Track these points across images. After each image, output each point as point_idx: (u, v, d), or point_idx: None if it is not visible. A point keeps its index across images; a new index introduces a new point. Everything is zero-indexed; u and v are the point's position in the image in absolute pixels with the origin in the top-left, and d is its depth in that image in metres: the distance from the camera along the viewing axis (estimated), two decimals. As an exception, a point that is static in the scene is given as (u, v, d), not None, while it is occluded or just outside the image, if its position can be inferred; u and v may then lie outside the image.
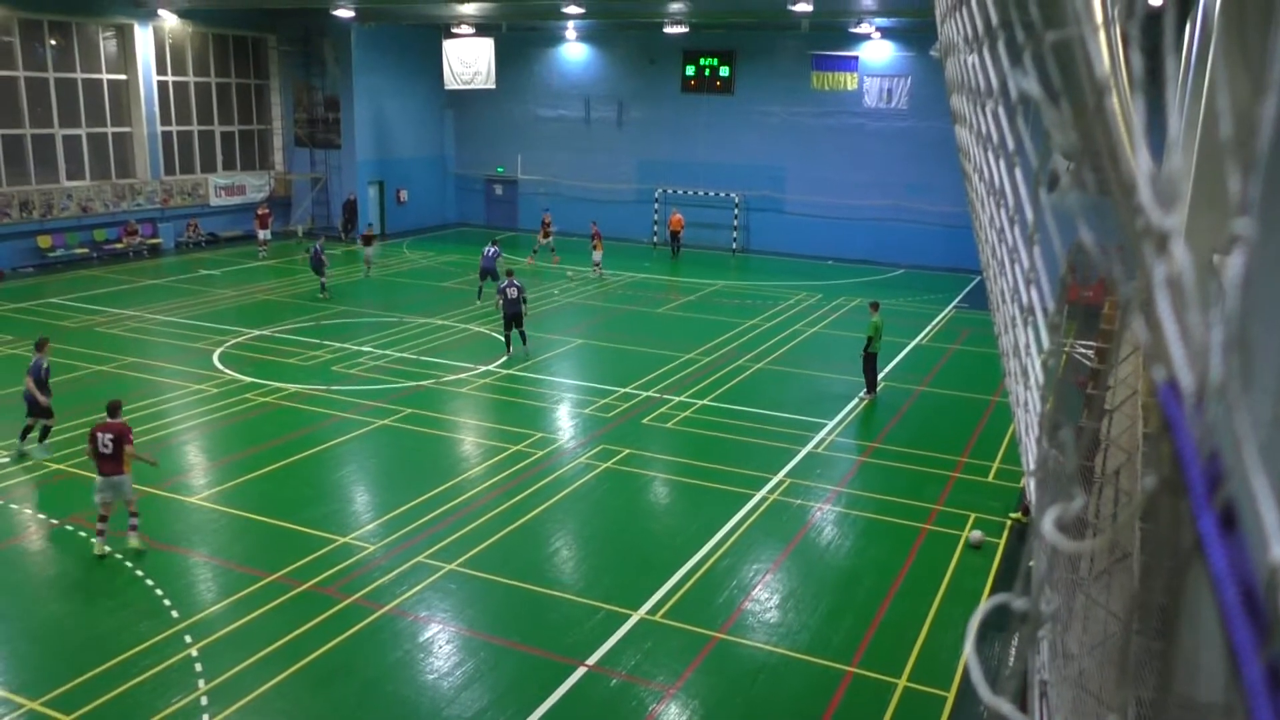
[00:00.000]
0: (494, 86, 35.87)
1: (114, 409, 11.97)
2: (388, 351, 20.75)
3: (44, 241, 29.39)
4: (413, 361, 20.15)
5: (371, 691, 9.15)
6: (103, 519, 11.56)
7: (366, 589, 10.92)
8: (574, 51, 38.08)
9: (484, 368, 19.81)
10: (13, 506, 12.85)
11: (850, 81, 33.65)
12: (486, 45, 35.25)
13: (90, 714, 8.66)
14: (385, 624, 10.26)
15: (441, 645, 9.94)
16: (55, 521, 12.47)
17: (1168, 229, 0.89)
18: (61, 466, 14.16)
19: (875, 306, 18.34)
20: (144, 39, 31.68)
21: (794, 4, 26.48)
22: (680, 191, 36.65)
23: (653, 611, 10.64)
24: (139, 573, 11.16)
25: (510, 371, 19.65)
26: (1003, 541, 12.61)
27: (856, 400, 18.19)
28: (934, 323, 25.11)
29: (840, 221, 34.68)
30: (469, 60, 35.63)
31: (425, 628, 10.23)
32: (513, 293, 20.41)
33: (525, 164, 39.33)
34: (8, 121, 28.57)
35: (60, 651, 9.67)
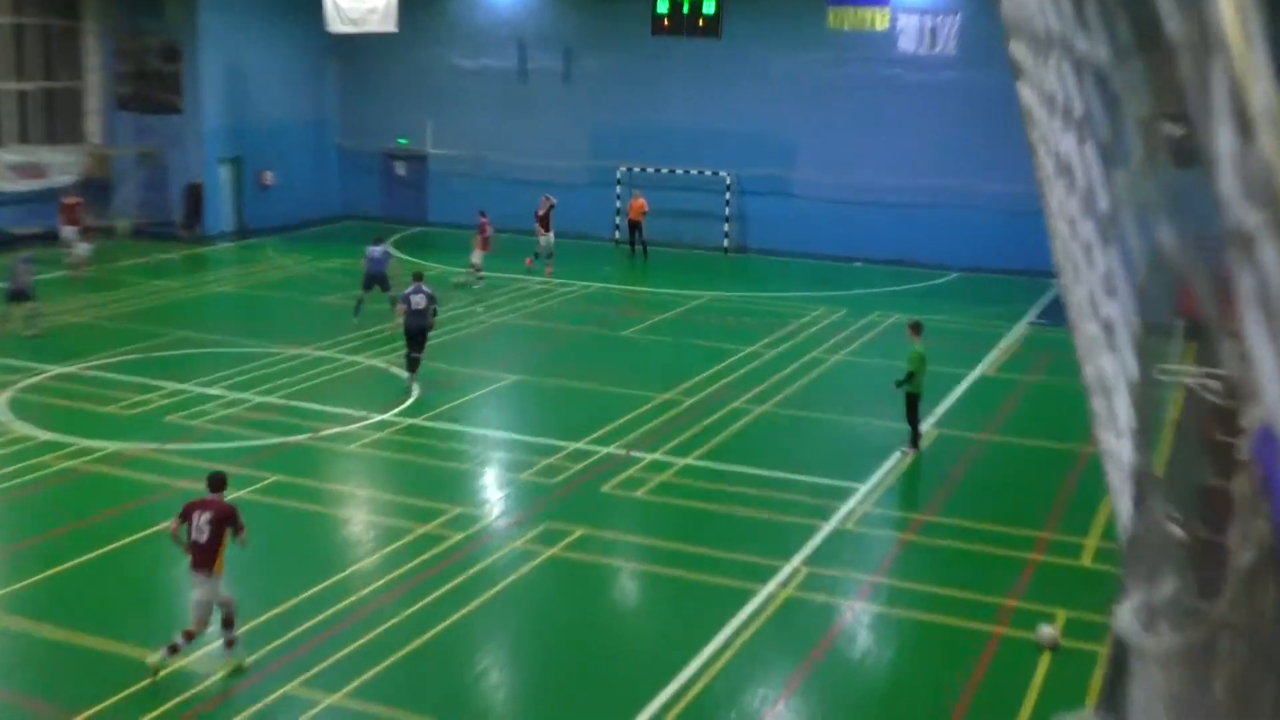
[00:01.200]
0: (395, 29, 35.80)
1: (219, 484, 12.14)
2: (245, 395, 20.43)
3: None
4: (280, 408, 19.88)
5: None
6: (190, 636, 11.39)
7: (213, 734, 10.57)
8: (503, -21, 38.28)
9: (380, 416, 19.56)
10: None
11: (879, 20, 33.95)
12: (383, -29, 35.21)
13: None
14: (239, 785, 9.90)
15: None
16: None
17: (1251, 229, 0.94)
18: None
19: (917, 328, 18.30)
20: (-96, -37, 31.39)
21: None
22: (651, 170, 36.77)
23: (621, 759, 10.37)
24: (-117, 717, 10.72)
25: (416, 421, 19.39)
26: (1107, 648, 12.43)
27: (896, 455, 18.09)
28: (1000, 346, 25.20)
29: (869, 208, 34.90)
30: (359, -8, 35.56)
31: (296, 789, 9.87)
32: (419, 301, 20.41)
33: (438, 134, 39.39)
34: None
35: None
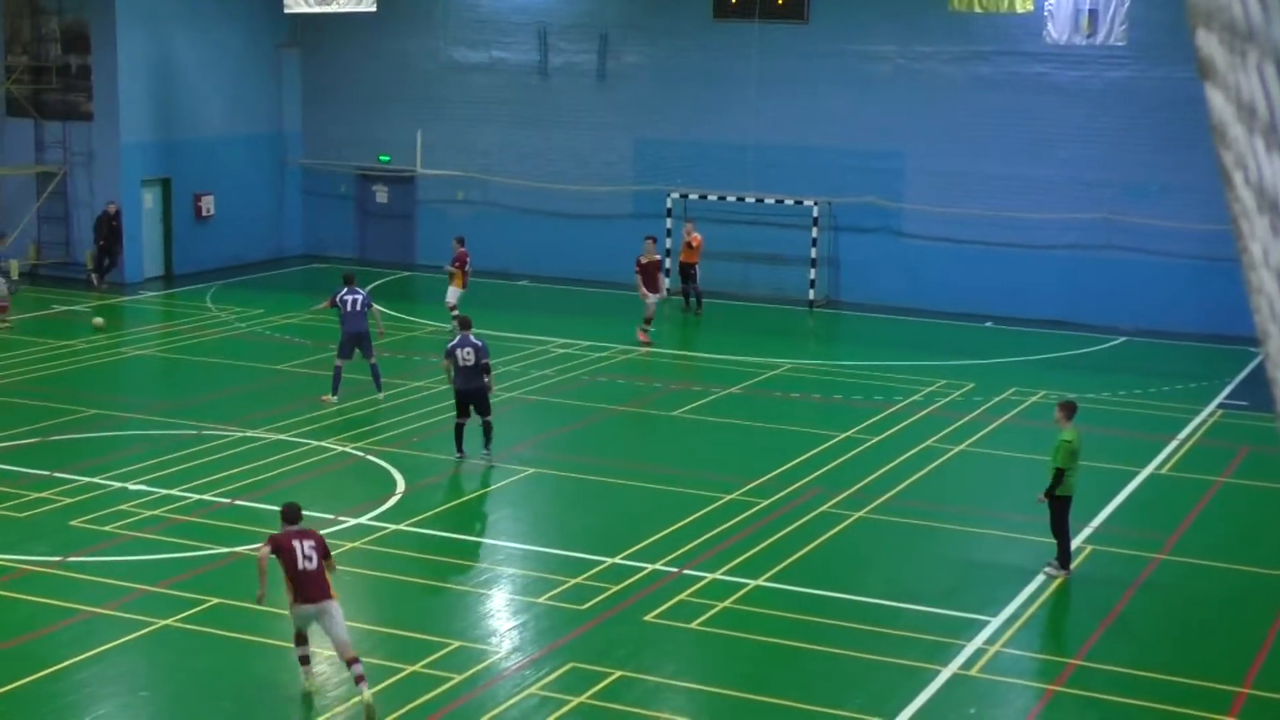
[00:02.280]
0: (372, 8, 36.40)
1: (295, 514, 14.82)
2: (175, 492, 20.76)
3: None
4: (223, 510, 20.20)
5: None
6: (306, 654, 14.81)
7: None
8: (519, -53, 38.91)
9: (356, 520, 19.83)
10: None
11: (1021, 0, 34.06)
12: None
13: None
14: None
15: None
16: None
17: None
18: None
19: (1069, 410, 18.35)
20: None
21: None
22: (712, 197, 37.04)
23: None
24: None
25: (401, 526, 19.65)
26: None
27: (1040, 579, 18.13)
28: (1185, 433, 25.16)
29: (1007, 251, 35.00)
30: (330, -37, 36.31)
31: None
32: (468, 356, 21.20)
33: (431, 149, 39.87)
34: None
35: None
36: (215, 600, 16.99)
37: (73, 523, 19.47)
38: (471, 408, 21.73)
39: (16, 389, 26.32)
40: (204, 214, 38.89)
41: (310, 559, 14.11)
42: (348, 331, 25.80)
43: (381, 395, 26.15)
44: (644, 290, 30.74)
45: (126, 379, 27.99)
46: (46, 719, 14.37)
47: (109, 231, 36.58)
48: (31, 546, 18.56)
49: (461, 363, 21.30)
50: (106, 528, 19.36)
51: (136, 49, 36.81)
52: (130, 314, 34.41)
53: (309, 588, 14.11)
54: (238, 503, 20.42)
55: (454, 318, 29.70)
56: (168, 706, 14.85)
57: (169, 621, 16.47)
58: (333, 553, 14.93)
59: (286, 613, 16.84)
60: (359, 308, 25.96)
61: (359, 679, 13.90)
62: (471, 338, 21.65)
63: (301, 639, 14.71)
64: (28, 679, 14.99)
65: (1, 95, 37.68)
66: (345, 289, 26.26)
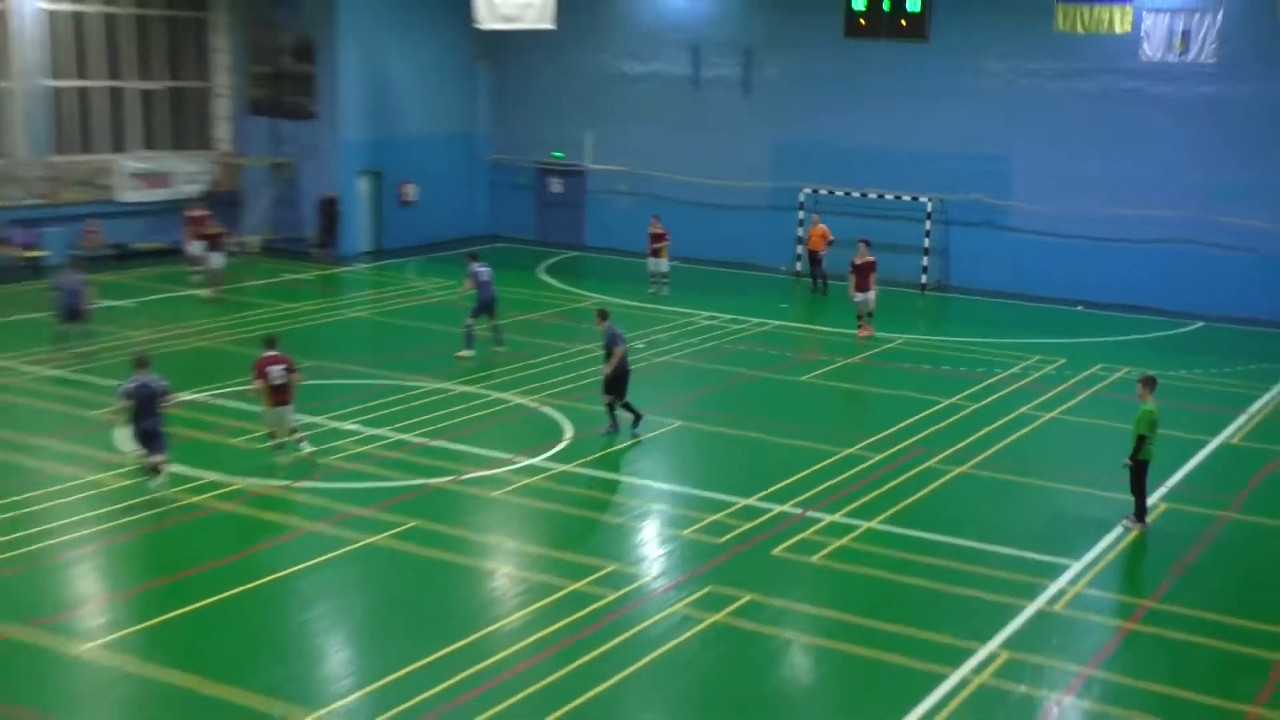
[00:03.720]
0: (553, 26, 36.66)
1: (273, 341, 19.65)
2: (381, 431, 21.24)
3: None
4: (419, 448, 20.58)
5: None
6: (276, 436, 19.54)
7: (343, 795, 11.19)
8: (679, -26, 38.94)
9: (529, 460, 20.17)
10: None
11: (1120, 21, 33.35)
12: (544, -36, 36.22)
13: None
14: None
15: None
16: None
17: None
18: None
19: (1150, 384, 18.13)
20: (34, -48, 33.54)
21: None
22: (840, 193, 36.93)
23: None
24: (4, 756, 11.64)
25: (568, 468, 19.97)
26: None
27: (1118, 530, 17.97)
28: (1251, 410, 24.68)
29: (1100, 244, 34.54)
30: (517, -14, 36.62)
31: None
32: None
33: (599, 148, 40.12)
34: None
35: None
36: (412, 523, 17.38)
37: (300, 452, 19.99)
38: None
39: (250, 343, 26.85)
40: (407, 200, 39.55)
41: (281, 376, 19.07)
42: (483, 298, 26.45)
43: (502, 349, 26.82)
44: (853, 290, 29.75)
45: (341, 337, 28.56)
46: (269, 616, 14.86)
47: (330, 214, 37.42)
48: (262, 472, 19.15)
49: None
50: (326, 459, 19.91)
51: (353, 60, 37.50)
52: (345, 283, 35.08)
53: (278, 395, 19.10)
54: (433, 443, 20.84)
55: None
56: (370, 609, 15.26)
57: (376, 538, 16.92)
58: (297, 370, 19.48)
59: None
60: (489, 278, 26.55)
61: (301, 439, 19.63)
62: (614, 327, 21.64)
63: (273, 435, 19.55)
64: (255, 583, 15.48)
65: (245, 97, 38.57)
66: (475, 264, 26.85)
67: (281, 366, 19.10)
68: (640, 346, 27.91)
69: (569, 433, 21.65)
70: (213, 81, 38.65)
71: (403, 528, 17.24)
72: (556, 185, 41.34)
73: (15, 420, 21.42)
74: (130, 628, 14.34)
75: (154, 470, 17.84)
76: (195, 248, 33.59)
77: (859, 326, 29.04)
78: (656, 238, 34.10)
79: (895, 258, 35.84)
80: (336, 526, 17.25)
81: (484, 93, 41.82)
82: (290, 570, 15.90)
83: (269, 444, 19.73)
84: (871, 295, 28.64)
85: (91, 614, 14.81)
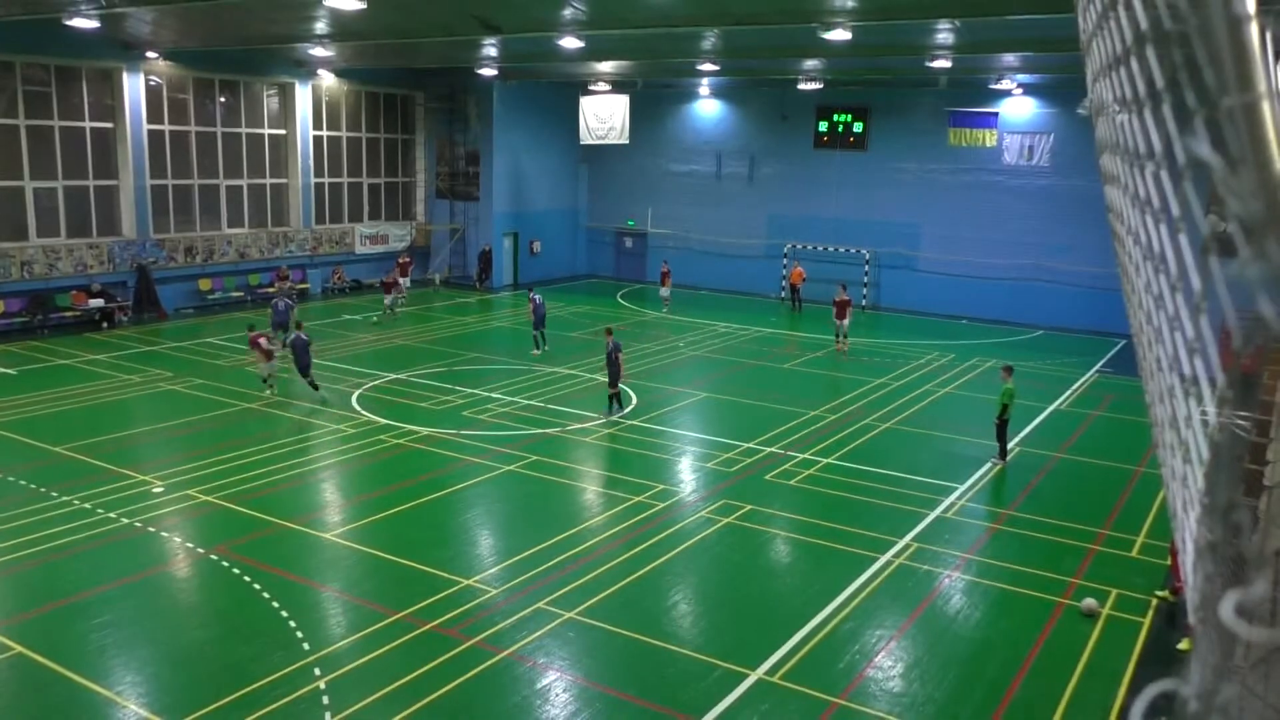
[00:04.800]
0: (627, 141, 36.67)
1: (254, 327, 21.38)
2: (516, 399, 21.18)
3: (204, 284, 31.37)
4: (540, 409, 20.50)
5: (488, 736, 9.22)
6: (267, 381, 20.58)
7: (487, 632, 11.06)
8: (707, 107, 38.65)
9: (608, 417, 19.99)
10: (163, 534, 13.60)
11: (989, 138, 33.01)
12: (622, 102, 36.09)
13: (224, 738, 9.00)
14: (504, 668, 10.36)
15: (558, 693, 9.96)
16: (201, 551, 13.12)
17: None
18: (209, 499, 14.92)
19: (1009, 371, 17.71)
20: (303, 96, 33.75)
21: (932, 61, 26.23)
22: (810, 247, 36.49)
23: (771, 672, 10.42)
24: (275, 604, 11.61)
25: (634, 422, 19.78)
26: (1147, 621, 11.86)
27: (988, 465, 17.56)
28: (1074, 387, 24.08)
29: (976, 280, 33.87)
30: (604, 116, 36.55)
31: (543, 675, 10.28)
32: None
33: (655, 217, 39.93)
34: (179, 172, 30.78)
35: (199, 677, 10.11)
36: (533, 458, 17.29)
37: (463, 413, 20.02)
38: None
39: (434, 342, 27.04)
40: (534, 251, 39.52)
41: (272, 345, 20.74)
42: (538, 315, 25.82)
43: (544, 349, 25.82)
44: (834, 317, 27.28)
45: (491, 339, 28.57)
46: (442, 516, 14.78)
47: (485, 260, 37.49)
48: (440, 424, 19.13)
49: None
50: (480, 416, 19.85)
51: (503, 164, 37.47)
52: (494, 304, 35.12)
53: (268, 356, 20.28)
54: (549, 405, 20.72)
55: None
56: (506, 513, 15.17)
57: (511, 468, 16.82)
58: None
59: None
60: (541, 302, 26.08)
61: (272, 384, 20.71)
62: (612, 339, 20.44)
63: (265, 380, 20.63)
64: (433, 495, 15.48)
65: (434, 187, 38.76)
66: (533, 294, 26.58)
67: (265, 339, 20.78)
68: (681, 345, 27.72)
69: (634, 399, 21.45)
70: (415, 177, 38.80)
71: (527, 460, 17.16)
72: (629, 241, 41.18)
73: (289, 390, 21.53)
74: (355, 522, 14.34)
75: (314, 387, 20.45)
76: (402, 282, 33.84)
77: (837, 343, 27.46)
78: (665, 275, 34.07)
79: (848, 289, 35.55)
80: (486, 460, 17.17)
81: (583, 183, 41.69)
82: (456, 487, 15.85)
83: (264, 385, 20.77)
84: (846, 322, 27.27)
85: (332, 513, 14.80)
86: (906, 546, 13.84)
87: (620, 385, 20.16)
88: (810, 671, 10.46)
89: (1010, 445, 18.00)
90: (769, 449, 18.18)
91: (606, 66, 32.39)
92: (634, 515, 14.73)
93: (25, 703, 9.56)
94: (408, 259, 35.16)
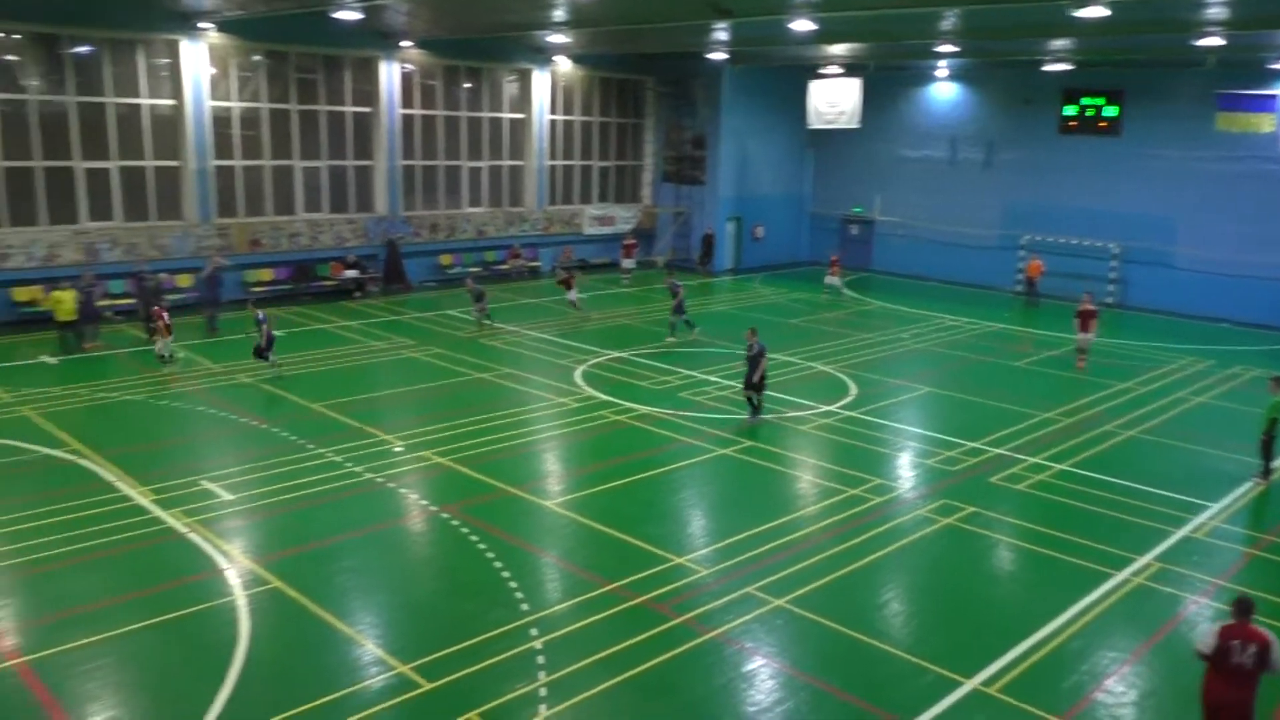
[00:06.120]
0: (858, 126, 35.83)
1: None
2: (733, 383, 21.22)
3: (445, 260, 33.40)
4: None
5: (693, 713, 9.36)
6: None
7: (696, 611, 11.20)
8: (943, 90, 37.13)
9: (826, 407, 19.70)
10: (400, 491, 14.63)
11: (1267, 123, 29.83)
12: (854, 85, 35.28)
13: (446, 686, 9.61)
14: (711, 648, 10.46)
15: (764, 679, 9.96)
16: (433, 509, 14.01)
17: None
18: (442, 461, 15.90)
19: (1278, 383, 16.00)
20: (541, 82, 35.15)
21: (1199, 39, 23.97)
22: (1049, 239, 34.37)
23: (988, 683, 9.97)
24: (497, 564, 12.25)
25: (852, 414, 19.38)
26: None
27: (1248, 484, 15.96)
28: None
29: (1242, 280, 30.76)
30: (834, 100, 35.84)
31: (749, 659, 10.30)
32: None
33: (883, 204, 38.85)
34: (426, 154, 32.88)
35: (427, 625, 10.84)
36: (749, 443, 17.29)
37: (680, 394, 20.26)
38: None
39: (655, 322, 27.39)
40: (757, 236, 39.39)
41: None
42: (678, 301, 25.21)
43: (675, 339, 25.06)
44: (1078, 330, 24.04)
45: (711, 321, 28.58)
46: (655, 493, 14.97)
47: (708, 244, 37.75)
48: (658, 403, 19.44)
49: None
50: (697, 398, 20.02)
51: (729, 148, 37.51)
52: (714, 287, 35.25)
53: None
54: (766, 392, 20.60)
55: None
56: (719, 495, 15.26)
57: (725, 451, 16.90)
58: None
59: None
60: (680, 287, 25.55)
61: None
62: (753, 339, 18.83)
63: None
64: (648, 473, 15.73)
65: (661, 171, 39.38)
66: (674, 281, 26.13)
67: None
68: (905, 337, 26.86)
69: (853, 390, 21.01)
70: (642, 161, 39.56)
71: (743, 445, 17.18)
72: (854, 229, 40.25)
73: (518, 363, 22.58)
74: (574, 493, 14.86)
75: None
76: (625, 263, 34.90)
77: (1078, 359, 24.09)
78: (834, 264, 33.08)
79: (1090, 285, 33.20)
80: (701, 441, 17.33)
81: (809, 168, 41.09)
82: (671, 466, 16.10)
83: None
84: (1091, 336, 24.04)
85: (553, 482, 15.41)
86: (1147, 565, 12.83)
87: (760, 391, 18.61)
88: (1031, 687, 9.93)
89: (1275, 464, 16.30)
90: (996, 450, 17.32)
91: (838, 49, 31.71)
92: (849, 508, 14.46)
93: (282, 631, 10.58)
94: (633, 241, 35.98)
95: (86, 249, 25.68)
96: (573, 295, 28.00)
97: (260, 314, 20.81)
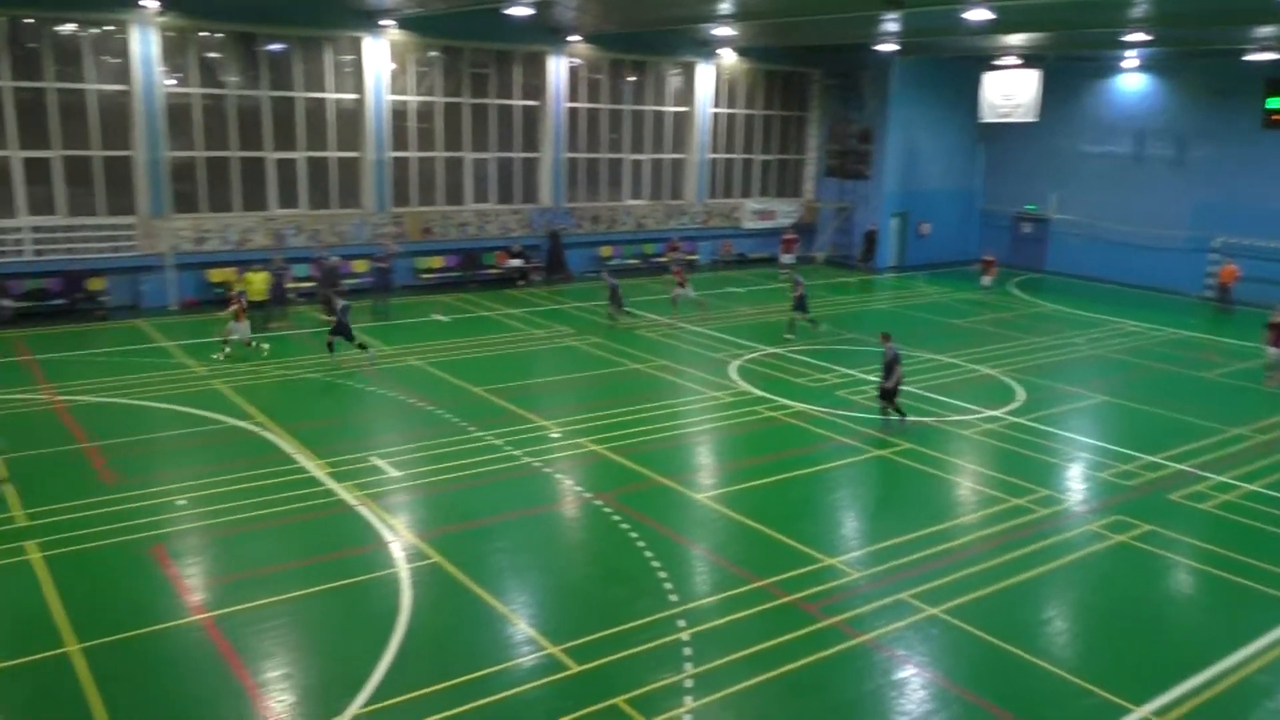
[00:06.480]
0: (1035, 119, 34.26)
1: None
2: (863, 376, 20.68)
3: (605, 251, 33.93)
4: (916, 396, 19.83)
5: (839, 717, 9.22)
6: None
7: (847, 614, 11.01)
8: (1129, 82, 35.02)
9: (990, 412, 18.97)
10: (556, 476, 14.98)
11: None
12: (1031, 77, 33.74)
13: (594, 670, 9.80)
14: (861, 653, 10.27)
15: (915, 689, 9.70)
16: (587, 495, 14.28)
17: None
18: (596, 449, 16.18)
19: None
20: (705, 75, 35.19)
21: None
22: (1246, 242, 31.90)
23: (1160, 712, 9.39)
24: (647, 554, 12.38)
25: (1019, 420, 18.57)
26: None
27: None
28: None
29: None
30: (1010, 92, 34.41)
31: (900, 667, 10.06)
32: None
33: (1059, 202, 37.01)
34: (590, 147, 33.48)
35: (577, 609, 11.07)
36: (907, 444, 16.82)
37: (837, 393, 19.90)
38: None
39: (811, 321, 26.97)
40: (922, 233, 38.29)
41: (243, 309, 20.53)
42: (798, 297, 24.35)
43: (792, 337, 24.37)
44: (1269, 343, 22.07)
45: (869, 320, 27.96)
46: (813, 489, 14.80)
47: (870, 240, 37.00)
48: (813, 401, 19.15)
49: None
50: (854, 397, 19.57)
51: (896, 142, 36.61)
52: (875, 285, 34.47)
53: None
54: (926, 393, 19.98)
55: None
56: (877, 495, 14.93)
57: (882, 452, 16.52)
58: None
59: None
60: (802, 283, 24.65)
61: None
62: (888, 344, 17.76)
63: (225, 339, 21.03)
64: (802, 470, 15.56)
65: (824, 165, 38.81)
66: (797, 276, 25.32)
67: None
68: (1078, 341, 25.54)
69: (1020, 396, 20.14)
70: (805, 155, 39.07)
71: (900, 448, 16.74)
72: (1027, 228, 38.51)
73: (674, 355, 22.73)
74: (725, 487, 14.85)
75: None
76: (785, 259, 34.66)
77: (1267, 377, 22.13)
78: (989, 264, 31.69)
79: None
80: (857, 441, 17.00)
81: (980, 163, 39.58)
82: (825, 465, 15.87)
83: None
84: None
85: (705, 475, 15.45)
86: (1348, 598, 11.78)
87: (892, 399, 17.67)
88: (1209, 720, 9.30)
89: None
90: (1177, 466, 16.25)
91: (1015, 39, 30.33)
92: (1012, 518, 13.88)
93: (441, 605, 11.04)
94: (793, 236, 35.62)
95: (274, 234, 27.43)
96: (680, 292, 27.02)
97: (341, 303, 21.05)
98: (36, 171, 24.54)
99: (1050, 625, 11.13)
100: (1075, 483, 15.62)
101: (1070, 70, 35.64)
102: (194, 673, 9.61)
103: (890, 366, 17.54)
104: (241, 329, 21.15)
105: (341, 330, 20.69)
